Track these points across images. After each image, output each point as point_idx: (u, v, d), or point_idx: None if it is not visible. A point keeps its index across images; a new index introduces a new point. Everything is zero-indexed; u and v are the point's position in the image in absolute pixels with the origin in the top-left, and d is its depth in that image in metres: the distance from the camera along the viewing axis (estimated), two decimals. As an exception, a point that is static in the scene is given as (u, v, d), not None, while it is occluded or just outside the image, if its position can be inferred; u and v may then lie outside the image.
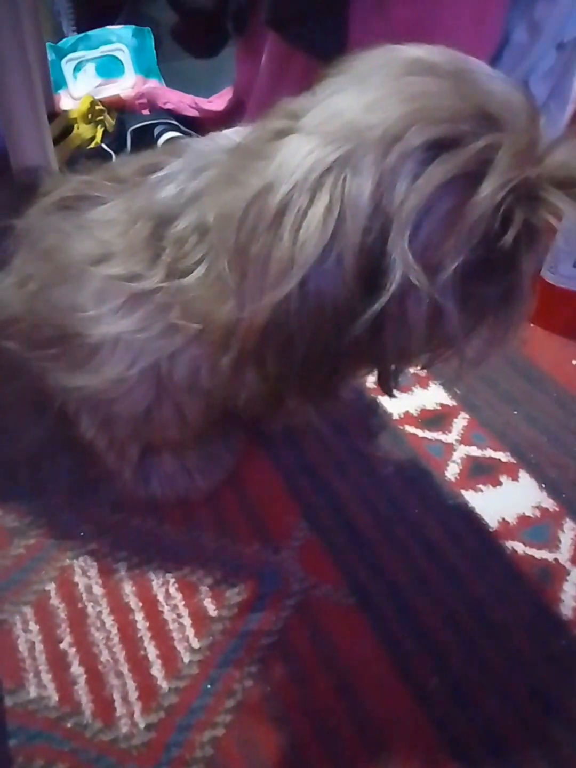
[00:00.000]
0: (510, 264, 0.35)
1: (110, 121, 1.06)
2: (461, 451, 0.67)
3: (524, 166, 0.31)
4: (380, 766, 0.47)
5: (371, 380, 0.69)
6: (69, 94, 1.12)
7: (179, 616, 0.55)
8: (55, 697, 0.50)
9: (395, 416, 0.70)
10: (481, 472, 0.65)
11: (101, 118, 1.05)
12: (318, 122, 0.34)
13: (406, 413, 0.70)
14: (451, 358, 0.39)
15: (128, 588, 0.57)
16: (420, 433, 0.69)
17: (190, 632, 0.54)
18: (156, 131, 1.04)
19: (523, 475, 0.65)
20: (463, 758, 0.47)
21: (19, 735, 0.48)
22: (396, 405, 0.71)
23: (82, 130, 1.02)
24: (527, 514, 0.62)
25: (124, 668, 0.52)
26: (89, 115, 1.04)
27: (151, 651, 0.53)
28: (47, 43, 1.06)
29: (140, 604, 0.55)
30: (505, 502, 0.62)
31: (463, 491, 0.63)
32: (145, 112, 1.10)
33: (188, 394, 0.50)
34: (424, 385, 0.73)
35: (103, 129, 1.04)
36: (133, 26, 1.19)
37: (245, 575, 0.57)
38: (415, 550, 0.58)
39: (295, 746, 0.48)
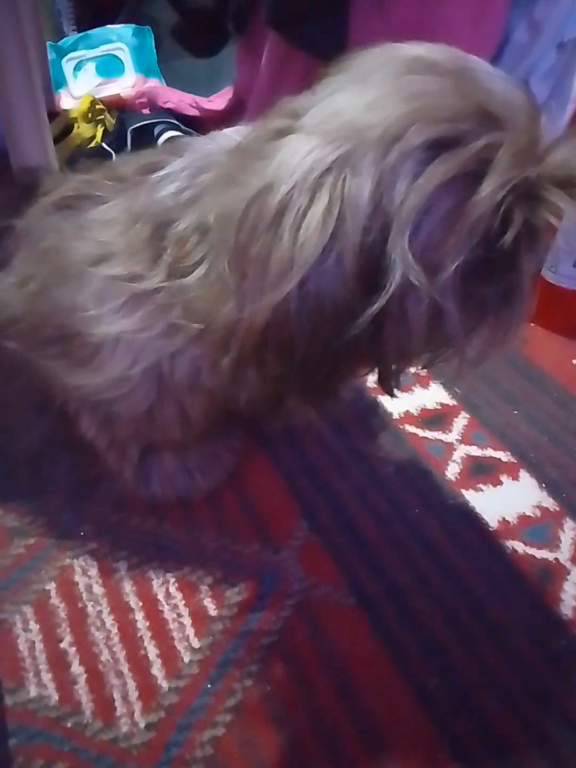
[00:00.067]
0: (510, 264, 0.35)
1: (110, 121, 1.06)
2: (462, 451, 0.67)
3: (525, 165, 0.31)
4: (380, 766, 0.47)
5: (372, 380, 0.69)
6: (69, 93, 1.12)
7: (179, 615, 0.55)
8: (55, 697, 0.50)
9: (395, 416, 0.70)
10: (482, 471, 0.65)
11: (101, 117, 1.05)
12: (318, 121, 0.34)
13: (407, 413, 0.70)
14: (452, 357, 0.39)
15: (128, 587, 0.57)
16: (420, 432, 0.69)
17: (190, 632, 0.54)
18: (156, 130, 1.04)
19: (524, 474, 0.65)
20: (463, 758, 0.47)
21: (20, 734, 0.48)
22: (396, 404, 0.71)
23: (83, 130, 1.02)
24: (527, 513, 0.62)
25: (125, 668, 0.52)
26: (89, 115, 1.03)
27: (152, 650, 0.53)
28: (47, 43, 1.07)
29: (140, 603, 0.55)
30: (505, 501, 0.62)
31: (463, 491, 0.63)
32: (146, 111, 1.10)
33: (189, 393, 0.50)
34: (425, 385, 0.73)
35: (103, 128, 1.04)
36: (134, 25, 1.19)
37: (245, 575, 0.57)
38: (415, 550, 0.58)
39: (295, 746, 0.48)
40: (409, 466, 0.66)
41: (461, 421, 0.70)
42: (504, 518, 0.61)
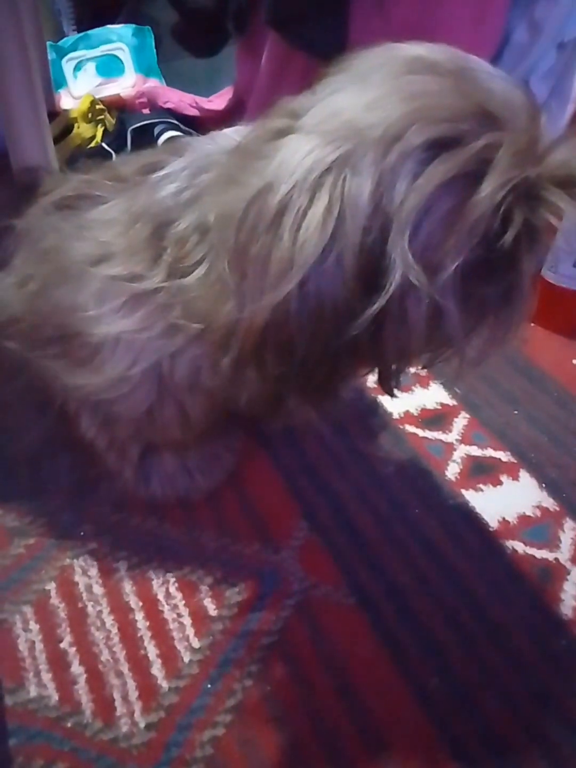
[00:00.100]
0: (510, 264, 0.35)
1: (110, 121, 1.06)
2: (461, 451, 0.67)
3: (525, 165, 0.31)
4: (380, 766, 0.47)
5: (372, 380, 0.69)
6: (69, 93, 1.12)
7: (179, 615, 0.55)
8: (55, 697, 0.50)
9: (395, 416, 0.70)
10: (482, 471, 0.65)
11: (101, 117, 1.05)
12: (318, 121, 0.34)
13: (407, 413, 0.70)
14: (452, 357, 0.39)
15: (128, 587, 0.57)
16: (420, 432, 0.69)
17: (190, 632, 0.54)
18: (156, 130, 1.04)
19: (524, 474, 0.65)
20: (463, 758, 0.47)
21: (19, 734, 0.48)
22: (396, 404, 0.71)
23: (83, 130, 1.02)
24: (527, 513, 0.62)
25: (125, 668, 0.52)
26: (89, 114, 1.03)
27: (152, 650, 0.53)
28: (47, 42, 1.06)
29: (140, 603, 0.55)
30: (505, 501, 0.62)
31: (463, 491, 0.63)
32: (146, 111, 1.10)
33: (189, 394, 0.50)
34: (425, 385, 0.73)
35: (103, 128, 1.04)
36: (134, 25, 1.19)
37: (245, 575, 0.57)
38: (415, 550, 0.58)
39: (295, 746, 0.48)
40: (409, 466, 0.66)
41: (461, 421, 0.70)
42: (504, 518, 0.61)
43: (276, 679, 0.51)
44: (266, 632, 0.53)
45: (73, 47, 1.17)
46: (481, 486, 0.64)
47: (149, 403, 0.50)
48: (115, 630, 0.54)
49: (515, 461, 0.66)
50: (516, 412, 0.71)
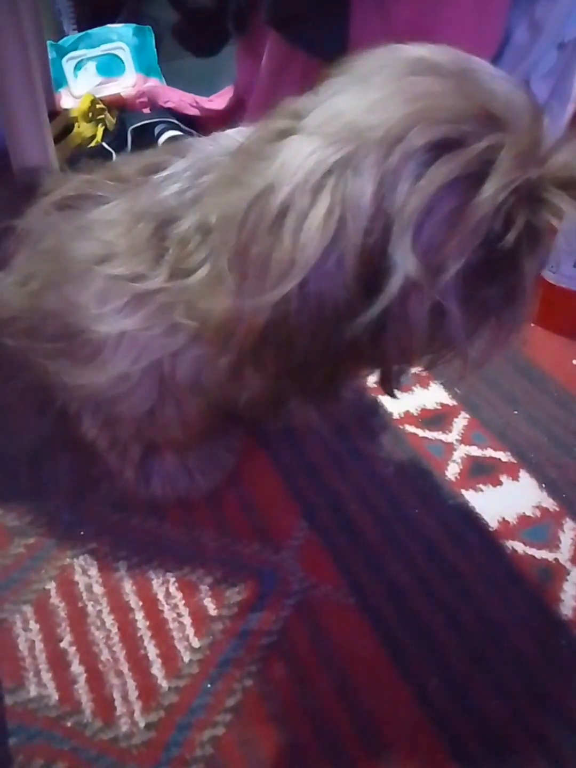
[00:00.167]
0: (512, 265, 0.35)
1: (111, 120, 1.06)
2: (462, 451, 0.67)
3: (527, 167, 0.31)
4: (380, 766, 0.47)
5: (372, 380, 0.69)
6: (70, 92, 1.12)
7: (179, 615, 0.55)
8: (55, 696, 0.50)
9: (396, 416, 0.70)
10: (482, 471, 0.65)
11: (102, 116, 1.05)
12: (320, 123, 0.34)
13: (407, 413, 0.70)
14: (454, 359, 0.39)
15: (128, 587, 0.57)
16: (420, 432, 0.69)
17: (190, 631, 0.54)
18: (157, 130, 1.04)
19: (524, 474, 0.65)
20: (463, 758, 0.47)
21: (19, 734, 0.49)
22: (396, 405, 0.71)
23: (83, 129, 1.02)
24: (527, 513, 0.62)
25: (124, 667, 0.52)
26: (90, 114, 1.03)
27: (151, 650, 0.53)
28: (48, 42, 1.06)
29: (140, 603, 0.56)
30: (505, 501, 0.63)
31: (463, 491, 0.63)
32: (146, 110, 1.10)
33: (190, 393, 0.50)
34: (425, 385, 0.73)
35: (103, 128, 1.04)
36: (134, 25, 1.19)
37: (245, 575, 0.57)
38: (415, 550, 0.58)
39: (295, 746, 0.48)
40: (409, 466, 0.66)
41: (461, 421, 0.70)
42: (504, 518, 0.61)
43: (276, 678, 0.51)
44: (266, 632, 0.53)
45: (74, 46, 1.17)
46: (481, 486, 0.64)
47: (150, 403, 0.50)
48: (115, 629, 0.54)
49: (515, 461, 0.66)
50: (516, 412, 0.71)
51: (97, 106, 1.05)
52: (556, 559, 0.58)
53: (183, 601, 0.56)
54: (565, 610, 0.55)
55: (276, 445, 0.67)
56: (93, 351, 0.47)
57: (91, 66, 1.15)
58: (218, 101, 1.08)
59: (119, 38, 1.17)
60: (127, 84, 1.13)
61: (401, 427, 0.69)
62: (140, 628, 0.54)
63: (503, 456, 0.67)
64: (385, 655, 0.52)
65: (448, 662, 0.52)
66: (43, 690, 0.51)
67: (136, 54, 1.16)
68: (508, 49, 0.85)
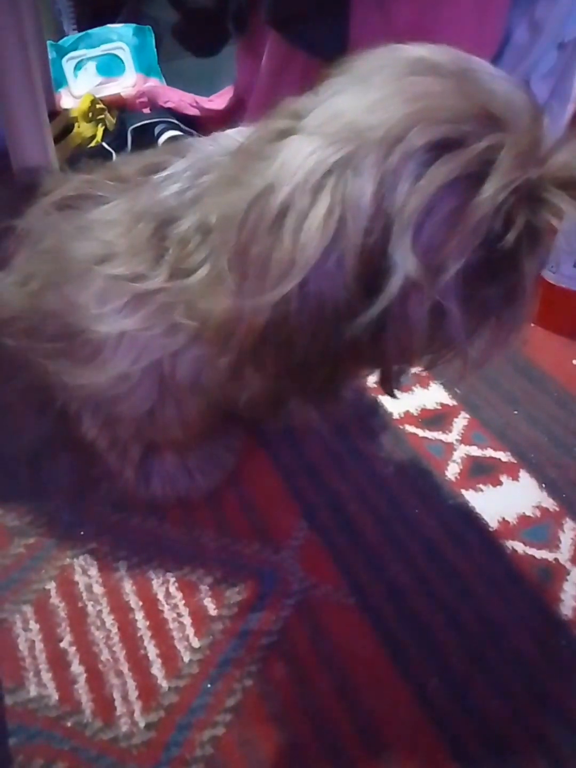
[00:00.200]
0: (512, 265, 0.35)
1: (111, 120, 1.06)
2: (461, 451, 0.67)
3: (527, 167, 0.31)
4: (380, 766, 0.47)
5: (372, 380, 0.69)
6: (70, 92, 1.12)
7: (179, 615, 0.55)
8: (55, 696, 0.50)
9: (396, 416, 0.70)
10: (482, 471, 0.65)
11: (102, 116, 1.05)
12: (320, 123, 0.34)
13: (407, 413, 0.70)
14: (454, 359, 0.39)
15: (128, 587, 0.57)
16: (420, 432, 0.69)
17: (190, 631, 0.54)
18: (157, 130, 1.04)
19: (524, 474, 0.65)
20: (463, 758, 0.47)
21: (19, 734, 0.49)
22: (396, 405, 0.71)
23: (83, 129, 1.02)
24: (527, 513, 0.62)
25: (124, 667, 0.52)
26: (90, 114, 1.03)
27: (151, 650, 0.53)
28: (48, 42, 1.06)
29: (140, 603, 0.56)
30: (505, 501, 0.62)
31: (463, 491, 0.63)
32: (146, 110, 1.10)
33: (190, 393, 0.50)
34: (425, 385, 0.73)
35: (103, 128, 1.04)
36: (134, 25, 1.19)
37: (245, 575, 0.57)
38: (415, 550, 0.58)
39: (295, 746, 0.48)
40: (409, 466, 0.66)
41: (461, 421, 0.70)
42: (504, 518, 0.61)
43: (276, 678, 0.51)
44: (266, 632, 0.53)
45: (74, 46, 1.17)
46: (481, 486, 0.64)
47: (150, 403, 0.50)
48: (115, 629, 0.54)
49: (515, 461, 0.66)
50: (516, 412, 0.71)
51: (97, 106, 1.05)
52: (556, 559, 0.58)
53: (183, 601, 0.56)
54: (565, 610, 0.55)
55: (276, 445, 0.67)
56: (93, 351, 0.47)
57: (91, 66, 1.15)
58: (218, 101, 1.08)
59: (119, 38, 1.17)
60: (127, 84, 1.13)
61: (401, 427, 0.69)
62: (140, 628, 0.54)
63: (503, 456, 0.67)
64: (385, 655, 0.52)
65: (448, 662, 0.52)
66: (43, 690, 0.51)
67: (136, 54, 1.16)
68: (508, 49, 0.85)
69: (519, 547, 0.59)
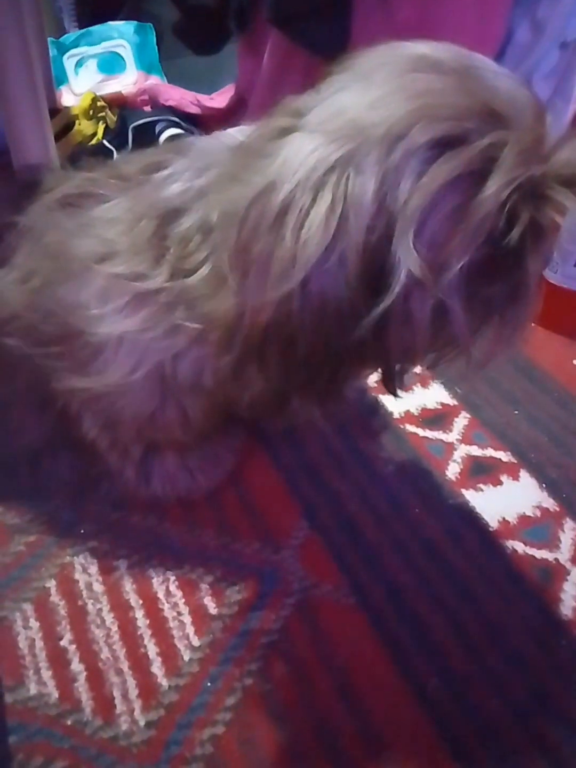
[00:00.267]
0: (516, 263, 0.35)
1: (112, 118, 1.05)
2: (462, 451, 0.67)
3: (530, 164, 0.31)
4: (380, 766, 0.47)
5: (373, 379, 0.69)
6: (70, 90, 1.12)
7: (179, 614, 0.55)
8: (55, 694, 0.50)
9: (396, 415, 0.70)
10: (482, 471, 0.65)
11: (103, 114, 1.04)
12: (321, 120, 0.34)
13: (407, 412, 0.70)
14: (457, 358, 0.39)
15: (128, 585, 0.56)
16: (421, 432, 0.69)
17: (190, 630, 0.54)
18: (158, 128, 1.04)
19: (524, 474, 0.65)
20: (463, 758, 0.47)
21: (19, 732, 0.48)
22: (397, 404, 0.71)
23: (84, 127, 1.02)
24: (528, 513, 0.62)
25: (125, 666, 0.52)
26: (91, 112, 1.03)
27: (152, 649, 0.53)
28: (49, 39, 1.06)
29: (140, 601, 0.55)
30: (505, 501, 0.62)
31: (463, 491, 0.63)
32: (147, 108, 1.10)
33: (192, 395, 0.49)
34: (425, 384, 0.73)
35: (104, 125, 1.04)
36: (135, 22, 1.19)
37: (245, 574, 0.57)
38: (415, 550, 0.58)
39: (295, 745, 0.48)
40: (410, 466, 0.66)
41: (462, 420, 0.70)
42: (504, 518, 0.61)
43: (276, 677, 0.51)
44: (266, 631, 0.53)
45: (75, 44, 1.17)
46: (481, 486, 0.64)
47: (152, 405, 0.50)
48: (115, 628, 0.54)
49: (515, 461, 0.66)
50: (516, 412, 0.70)
51: (98, 103, 1.05)
52: (556, 559, 0.58)
53: (183, 600, 0.56)
54: (565, 610, 0.55)
55: (276, 445, 0.67)
56: (93, 353, 0.47)
57: (92, 63, 1.15)
58: (219, 99, 1.08)
59: (120, 36, 1.17)
60: (128, 82, 1.13)
61: (402, 426, 0.69)
62: (140, 627, 0.54)
63: (503, 456, 0.66)
64: (385, 655, 0.52)
65: (448, 662, 0.52)
66: (43, 688, 0.51)
67: (137, 52, 1.16)
68: (510, 49, 0.85)
69: (519, 547, 0.59)
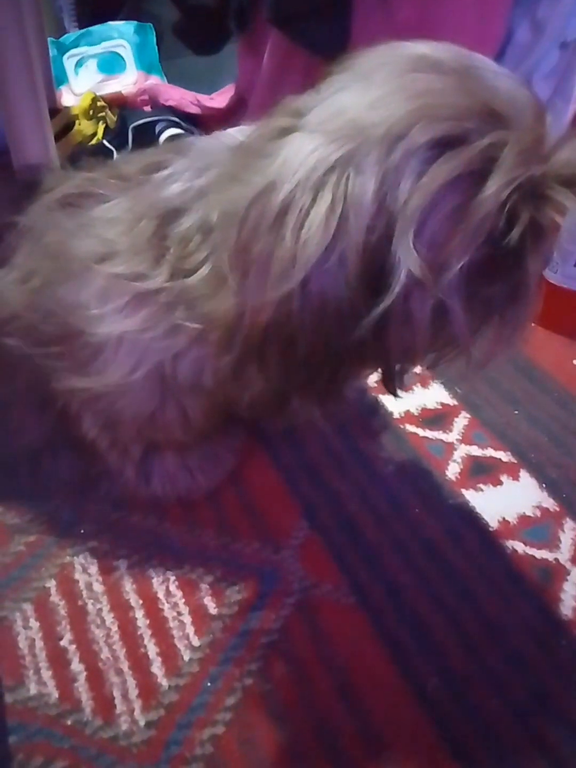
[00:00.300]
0: (516, 263, 0.35)
1: (112, 118, 1.05)
2: (462, 451, 0.67)
3: (530, 163, 0.31)
4: (380, 766, 0.47)
5: (373, 379, 0.69)
6: (70, 90, 1.12)
7: (179, 613, 0.55)
8: (55, 694, 0.50)
9: (396, 415, 0.70)
10: (482, 471, 0.65)
11: (103, 114, 1.04)
12: (321, 120, 0.34)
13: (407, 412, 0.70)
14: (456, 358, 0.39)
15: (128, 585, 0.56)
16: (421, 432, 0.69)
17: (190, 630, 0.54)
18: (157, 128, 1.04)
19: (524, 474, 0.65)
20: (463, 758, 0.47)
21: (19, 732, 0.48)
22: (397, 404, 0.71)
23: (84, 127, 1.02)
24: (528, 513, 0.62)
25: (125, 666, 0.52)
26: (91, 112, 1.03)
27: (152, 648, 0.53)
28: (49, 39, 1.06)
29: (140, 601, 0.55)
30: (505, 501, 0.62)
31: (463, 491, 0.63)
32: (147, 108, 1.10)
33: (192, 395, 0.49)
34: (425, 384, 0.73)
35: (104, 125, 1.04)
36: (135, 22, 1.19)
37: (245, 574, 0.57)
38: (415, 550, 0.58)
39: (295, 745, 0.48)
40: (410, 466, 0.66)
41: (462, 420, 0.70)
42: (504, 518, 0.61)
43: (276, 677, 0.51)
44: (266, 631, 0.53)
45: (75, 44, 1.17)
46: (481, 486, 0.64)
47: (152, 405, 0.50)
48: (115, 628, 0.54)
49: (515, 461, 0.66)
50: (516, 412, 0.70)
51: (98, 103, 1.05)
52: (556, 559, 0.58)
53: (183, 600, 0.56)
54: (565, 610, 0.55)
55: (276, 445, 0.67)
56: (92, 353, 0.47)
57: (92, 63, 1.15)
58: (219, 99, 1.08)
59: (120, 36, 1.17)
60: (128, 82, 1.13)
61: (402, 426, 0.69)
62: (140, 627, 0.54)
63: (503, 456, 0.66)
64: (385, 655, 0.52)
65: (448, 662, 0.52)
66: (43, 688, 0.51)
67: (137, 52, 1.16)
68: (510, 49, 0.85)
69: (519, 547, 0.59)
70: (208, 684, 0.51)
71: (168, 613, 0.55)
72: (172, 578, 0.57)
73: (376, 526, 0.60)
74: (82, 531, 0.60)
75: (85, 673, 0.51)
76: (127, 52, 1.16)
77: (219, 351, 0.39)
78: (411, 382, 0.73)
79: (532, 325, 0.79)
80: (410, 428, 0.69)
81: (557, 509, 0.62)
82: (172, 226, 0.42)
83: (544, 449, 0.67)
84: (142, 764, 0.47)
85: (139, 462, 0.57)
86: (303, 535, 0.60)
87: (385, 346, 0.35)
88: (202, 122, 1.07)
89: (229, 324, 0.36)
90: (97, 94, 1.07)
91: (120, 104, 1.10)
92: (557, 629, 0.54)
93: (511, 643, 0.53)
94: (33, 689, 0.51)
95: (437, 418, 0.70)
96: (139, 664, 0.52)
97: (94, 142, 1.02)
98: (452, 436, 0.68)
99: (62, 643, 0.53)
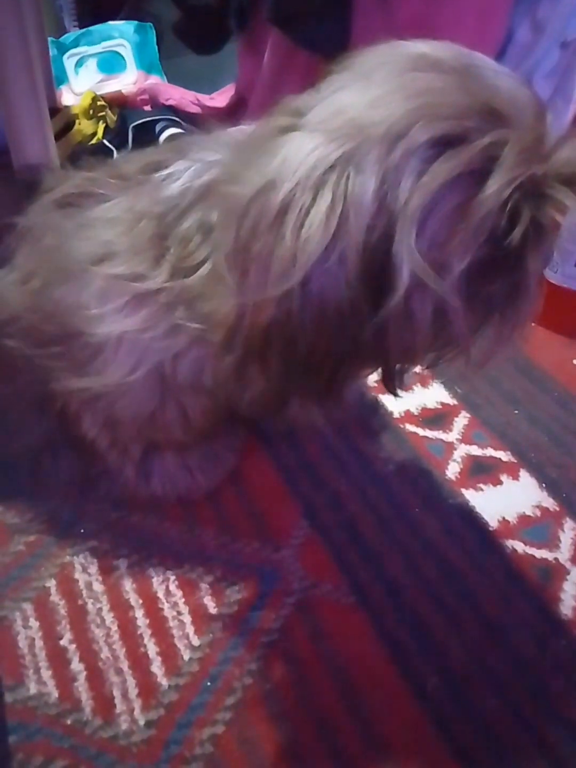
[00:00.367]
0: (517, 262, 0.34)
1: (112, 117, 1.05)
2: (462, 450, 0.67)
3: (531, 163, 0.31)
4: (380, 765, 0.47)
5: (373, 379, 0.69)
6: (70, 89, 1.12)
7: (179, 613, 0.55)
8: (55, 694, 0.50)
9: (396, 415, 0.70)
10: (482, 471, 0.65)
11: (103, 113, 1.04)
12: (321, 119, 0.34)
13: (407, 412, 0.70)
14: (457, 357, 0.39)
15: (128, 585, 0.56)
16: (421, 431, 0.69)
17: (190, 630, 0.54)
18: (158, 127, 1.04)
19: (524, 474, 0.65)
20: (463, 758, 0.47)
21: (19, 731, 0.48)
22: (397, 404, 0.71)
23: (84, 126, 1.02)
24: (527, 513, 0.62)
25: (124, 665, 0.52)
26: (91, 111, 1.03)
27: (151, 648, 0.53)
28: (49, 39, 1.06)
29: (140, 601, 0.55)
30: (505, 501, 0.62)
31: (463, 490, 0.63)
32: (147, 108, 1.10)
33: (192, 394, 0.49)
34: (425, 384, 0.73)
35: (104, 125, 1.04)
36: (135, 22, 1.19)
37: (245, 573, 0.57)
38: (415, 550, 0.58)
39: (295, 744, 0.48)
40: (410, 466, 0.66)
41: (462, 420, 0.70)
42: (504, 518, 0.61)
43: (276, 677, 0.51)
44: (266, 630, 0.53)
45: (75, 43, 1.17)
46: (481, 486, 0.64)
47: (152, 405, 0.50)
48: (115, 627, 0.54)
49: (515, 461, 0.66)
50: (516, 411, 0.70)
51: (98, 103, 1.05)
52: (556, 559, 0.58)
53: (183, 600, 0.56)
54: (565, 610, 0.55)
55: (276, 445, 0.67)
56: (92, 353, 0.47)
57: (92, 63, 1.15)
58: (220, 99, 1.08)
59: (120, 35, 1.17)
60: (129, 81, 1.13)
61: (402, 426, 0.69)
62: (140, 626, 0.54)
63: (503, 455, 0.66)
64: (385, 655, 0.52)
65: (448, 662, 0.52)
66: (42, 688, 0.51)
67: (137, 51, 1.16)
68: (511, 48, 0.85)
69: (519, 546, 0.59)
70: (208, 683, 0.51)
71: (168, 612, 0.55)
72: (172, 578, 0.57)
73: (376, 526, 0.60)
74: (82, 531, 0.60)
75: (84, 673, 0.51)
76: (127, 52, 1.16)
77: (219, 351, 0.39)
78: (411, 382, 0.73)
79: (532, 324, 0.79)
80: (410, 428, 0.69)
81: (557, 509, 0.62)
82: (172, 226, 0.42)
83: (544, 449, 0.67)
84: (142, 764, 0.47)
85: (139, 462, 0.57)
86: (303, 535, 0.60)
87: (385, 346, 0.35)
88: (202, 122, 1.06)
89: (230, 324, 0.36)
90: (97, 93, 1.07)
91: (120, 104, 1.10)
92: (557, 629, 0.54)
93: (511, 643, 0.53)
94: (33, 689, 0.51)
95: (437, 418, 0.70)
96: (139, 663, 0.52)
97: (94, 141, 1.02)
98: (452, 436, 0.68)
99: (62, 642, 0.53)
